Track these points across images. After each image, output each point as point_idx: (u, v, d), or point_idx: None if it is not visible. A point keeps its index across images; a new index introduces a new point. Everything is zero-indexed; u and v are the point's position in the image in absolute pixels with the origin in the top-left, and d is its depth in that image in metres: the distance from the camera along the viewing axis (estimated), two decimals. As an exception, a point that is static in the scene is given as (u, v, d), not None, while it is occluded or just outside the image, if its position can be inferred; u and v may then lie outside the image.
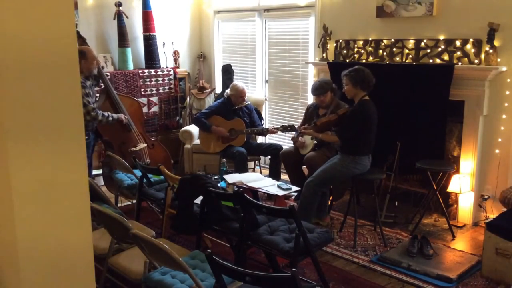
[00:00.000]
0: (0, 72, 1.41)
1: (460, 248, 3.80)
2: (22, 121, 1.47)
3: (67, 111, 1.57)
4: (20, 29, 1.43)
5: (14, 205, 1.48)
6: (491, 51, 3.93)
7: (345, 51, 5.00)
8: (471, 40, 4.08)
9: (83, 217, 1.66)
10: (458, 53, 4.18)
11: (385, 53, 4.67)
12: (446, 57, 4.27)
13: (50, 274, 1.62)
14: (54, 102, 1.53)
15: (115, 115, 4.66)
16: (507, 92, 3.99)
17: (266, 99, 6.10)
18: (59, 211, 1.59)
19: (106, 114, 4.51)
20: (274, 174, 4.99)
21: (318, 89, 4.48)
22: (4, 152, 1.45)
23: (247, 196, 2.94)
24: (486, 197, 4.16)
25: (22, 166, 1.49)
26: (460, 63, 4.15)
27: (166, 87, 6.16)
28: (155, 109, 6.08)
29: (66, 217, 1.61)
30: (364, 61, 4.78)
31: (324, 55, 5.13)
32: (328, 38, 5.10)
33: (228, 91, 5.29)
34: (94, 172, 5.12)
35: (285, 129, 4.80)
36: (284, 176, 5.10)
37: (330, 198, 4.44)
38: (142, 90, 5.91)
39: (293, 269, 1.94)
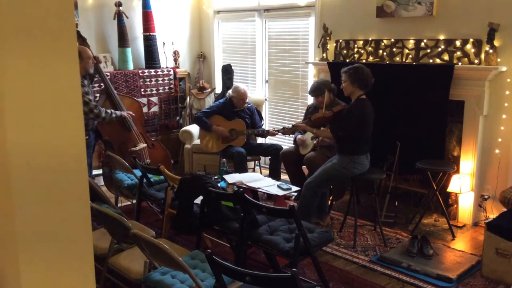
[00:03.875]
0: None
1: (460, 248, 3.81)
2: (22, 122, 1.47)
3: (67, 111, 1.57)
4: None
5: (14, 205, 1.48)
6: (491, 51, 3.93)
7: (345, 51, 5.01)
8: (471, 40, 4.08)
9: (83, 217, 1.66)
10: (458, 53, 4.18)
11: (385, 53, 4.67)
12: (446, 57, 4.27)
13: (50, 274, 1.62)
14: (54, 99, 1.53)
15: (118, 112, 4.67)
16: (507, 92, 3.99)
17: (266, 99, 6.10)
18: (59, 211, 1.59)
19: (109, 111, 4.52)
20: (274, 174, 4.99)
21: (315, 91, 4.48)
22: (4, 152, 1.46)
23: (247, 196, 2.94)
24: (486, 197, 4.16)
25: (22, 166, 1.49)
26: (460, 63, 4.15)
27: (166, 87, 6.16)
28: (155, 109, 6.08)
29: (66, 217, 1.61)
30: (364, 61, 4.78)
31: (324, 55, 5.13)
32: (328, 38, 5.10)
33: (230, 92, 5.29)
34: (94, 172, 5.12)
35: (285, 132, 4.78)
36: (284, 176, 5.10)
37: (330, 198, 4.44)
38: (142, 90, 5.91)
39: (293, 269, 1.94)
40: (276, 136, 5.16)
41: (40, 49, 1.42)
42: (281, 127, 4.59)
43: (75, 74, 1.52)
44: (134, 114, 4.88)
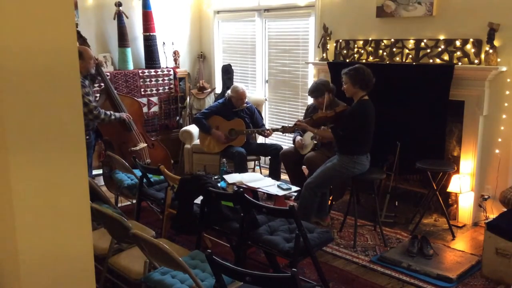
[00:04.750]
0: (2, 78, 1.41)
1: (460, 248, 3.80)
2: (23, 122, 1.47)
3: (68, 112, 1.57)
4: (21, 38, 1.44)
5: (14, 204, 1.49)
6: (491, 51, 3.93)
7: (345, 51, 5.01)
8: (471, 40, 4.08)
9: (83, 217, 1.66)
10: (458, 53, 4.18)
11: (385, 53, 4.67)
12: (446, 57, 4.27)
13: (50, 274, 1.62)
14: (54, 103, 1.53)
15: (117, 114, 4.68)
16: (507, 92, 3.99)
17: (266, 99, 6.10)
18: (59, 211, 1.59)
19: (108, 112, 4.52)
20: (274, 174, 4.99)
21: (315, 92, 4.47)
22: (5, 152, 1.46)
23: (247, 196, 2.94)
24: (486, 197, 4.16)
25: (22, 166, 1.49)
26: (460, 63, 4.15)
27: (166, 87, 6.16)
28: (155, 109, 6.08)
29: (66, 217, 1.61)
30: (364, 61, 4.78)
31: (324, 55, 5.13)
32: (328, 38, 5.10)
33: (229, 92, 5.29)
34: (94, 172, 5.12)
35: (285, 130, 4.79)
36: (284, 176, 5.10)
37: (330, 198, 4.44)
38: (142, 90, 5.91)
39: (293, 269, 1.94)
40: (272, 135, 5.13)
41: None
42: (281, 127, 4.60)
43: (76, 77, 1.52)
44: (131, 117, 4.88)
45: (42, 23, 1.47)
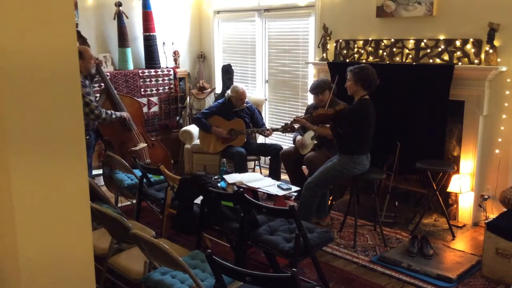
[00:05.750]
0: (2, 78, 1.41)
1: (460, 248, 3.80)
2: (23, 123, 1.47)
3: (67, 112, 1.57)
4: (21, 38, 1.44)
5: (14, 204, 1.49)
6: (491, 51, 3.93)
7: (345, 51, 5.01)
8: (471, 40, 4.08)
9: (83, 217, 1.66)
10: (458, 53, 4.18)
11: (385, 53, 4.67)
12: (446, 57, 4.27)
13: (50, 274, 1.62)
14: (54, 104, 1.53)
15: (118, 113, 4.68)
16: (507, 92, 3.99)
17: (266, 99, 6.10)
18: (59, 211, 1.59)
19: (109, 112, 4.53)
20: (274, 174, 4.99)
21: (317, 88, 4.48)
22: (5, 152, 1.46)
23: (247, 196, 2.94)
24: (486, 197, 4.16)
25: (22, 166, 1.49)
26: (460, 63, 4.15)
27: (166, 87, 6.16)
28: (155, 109, 6.08)
29: (66, 217, 1.61)
30: (364, 61, 4.78)
31: (324, 55, 5.13)
32: (328, 38, 5.10)
33: (229, 92, 5.29)
34: (94, 172, 5.12)
35: (285, 129, 4.79)
36: (284, 176, 5.09)
37: (330, 198, 4.44)
38: (142, 90, 5.91)
39: (293, 269, 1.94)
40: (276, 135, 5.15)
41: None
42: (280, 126, 4.59)
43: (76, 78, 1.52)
44: (131, 117, 4.88)
45: (42, 23, 1.47)
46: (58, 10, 1.49)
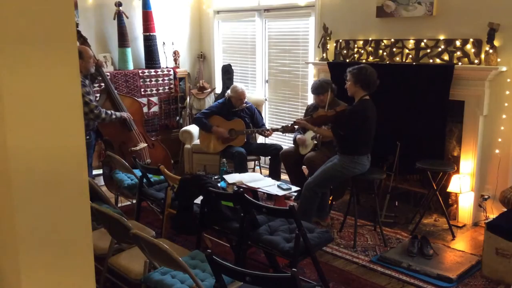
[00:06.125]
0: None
1: (460, 248, 3.81)
2: (22, 122, 1.47)
3: (68, 112, 1.57)
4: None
5: (14, 204, 1.49)
6: (491, 51, 3.93)
7: (345, 51, 5.01)
8: (471, 40, 4.08)
9: (83, 217, 1.66)
10: (458, 53, 4.18)
11: (385, 53, 4.67)
12: (446, 57, 4.27)
13: (50, 273, 1.62)
14: (54, 103, 1.53)
15: (118, 113, 4.68)
16: (507, 92, 3.99)
17: (266, 99, 6.10)
18: (59, 211, 1.59)
19: (109, 112, 4.53)
20: (274, 174, 4.99)
21: (318, 88, 4.48)
22: (4, 150, 1.46)
23: (247, 196, 2.94)
24: (486, 197, 4.16)
25: (22, 165, 1.49)
26: (460, 63, 4.15)
27: (166, 87, 6.16)
28: (155, 109, 6.08)
29: (66, 217, 1.61)
30: (364, 61, 4.78)
31: (324, 55, 5.13)
32: (328, 38, 5.10)
33: (228, 92, 5.30)
34: (94, 172, 5.12)
35: (285, 130, 4.78)
36: (284, 176, 5.09)
37: (330, 198, 4.44)
38: (142, 90, 5.91)
39: (293, 269, 1.94)
40: (276, 135, 5.15)
41: (40, 52, 1.42)
42: (281, 127, 4.60)
43: (75, 77, 1.52)
44: (131, 117, 4.88)
45: (42, 23, 1.47)
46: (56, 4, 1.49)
